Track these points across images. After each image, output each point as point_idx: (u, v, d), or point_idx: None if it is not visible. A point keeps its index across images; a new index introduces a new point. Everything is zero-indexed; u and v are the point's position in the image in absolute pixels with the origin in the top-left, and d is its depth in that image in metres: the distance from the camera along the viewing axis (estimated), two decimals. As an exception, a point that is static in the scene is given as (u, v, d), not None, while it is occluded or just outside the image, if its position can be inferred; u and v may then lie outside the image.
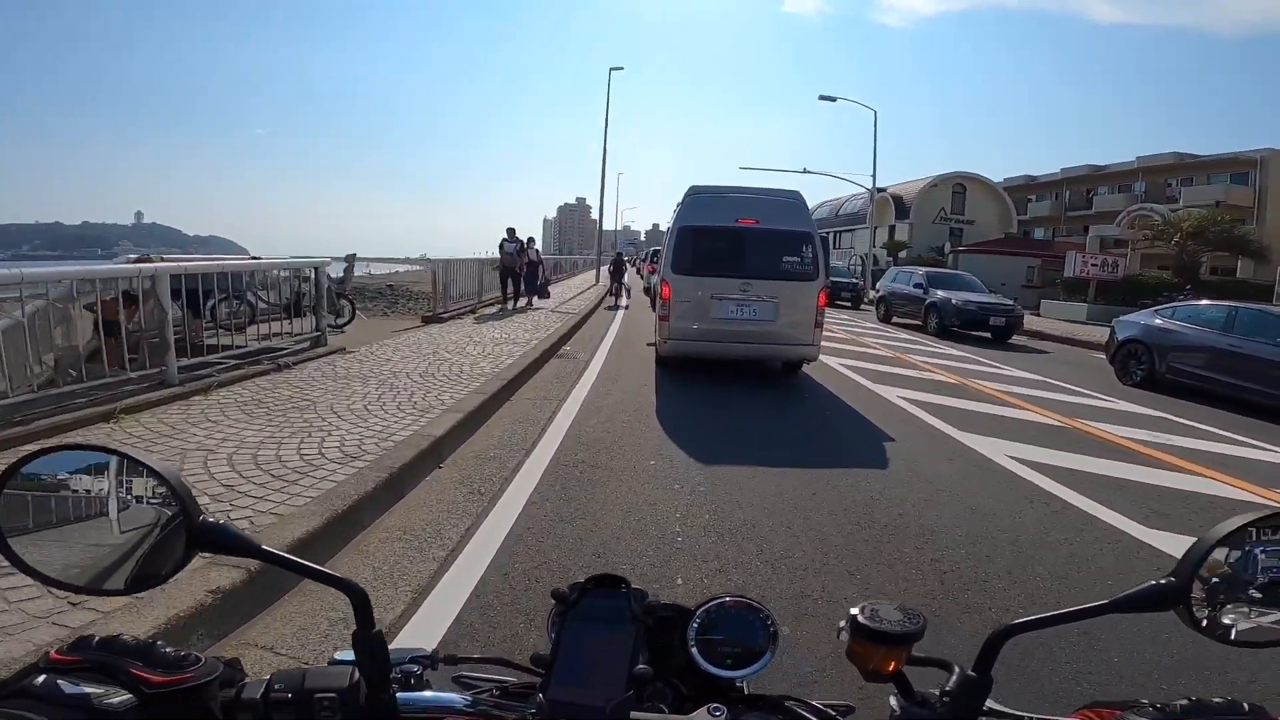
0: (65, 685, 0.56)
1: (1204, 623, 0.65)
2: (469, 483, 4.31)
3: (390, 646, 0.69)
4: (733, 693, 0.79)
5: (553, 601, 0.82)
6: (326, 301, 9.84)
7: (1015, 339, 15.33)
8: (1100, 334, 17.52)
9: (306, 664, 0.90)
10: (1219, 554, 0.65)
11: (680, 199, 8.50)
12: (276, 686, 0.66)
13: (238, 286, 8.80)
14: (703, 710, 0.68)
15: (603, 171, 29.25)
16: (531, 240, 15.40)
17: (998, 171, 45.30)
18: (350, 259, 10.99)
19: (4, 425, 4.26)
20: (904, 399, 7.56)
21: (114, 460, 0.66)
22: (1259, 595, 0.66)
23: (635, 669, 0.70)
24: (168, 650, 0.62)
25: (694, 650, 0.78)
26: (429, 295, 14.02)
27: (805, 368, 9.01)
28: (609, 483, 4.43)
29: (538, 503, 4.01)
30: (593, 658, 0.73)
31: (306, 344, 7.84)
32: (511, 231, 14.42)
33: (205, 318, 8.09)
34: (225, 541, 0.66)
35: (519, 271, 14.59)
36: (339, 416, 5.10)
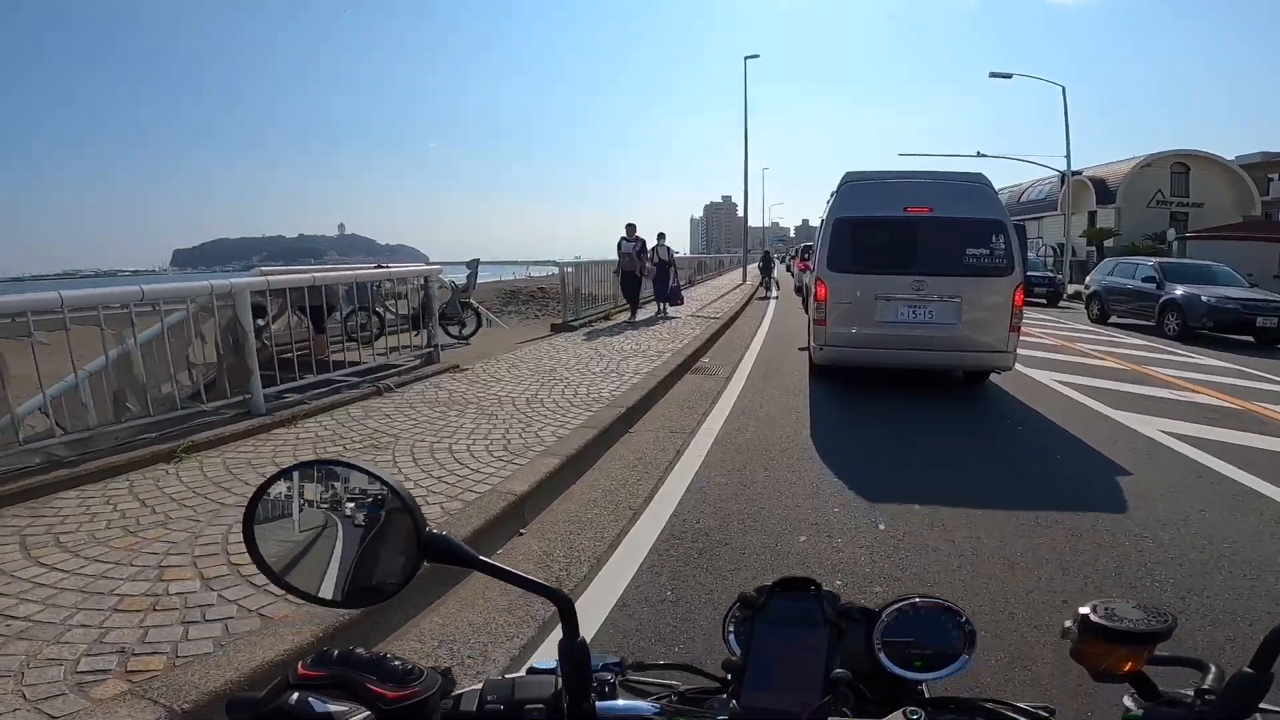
0: (315, 703, 0.59)
1: None
2: (548, 561, 3.18)
3: None
4: (918, 696, 0.77)
5: (737, 607, 0.81)
6: (450, 311, 9.35)
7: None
8: None
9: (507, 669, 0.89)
10: None
11: (834, 189, 7.24)
12: (490, 698, 0.69)
13: (364, 298, 8.48)
14: (898, 713, 0.67)
15: (745, 163, 27.70)
16: (661, 237, 13.39)
17: (1223, 150, 37.35)
18: (473, 264, 10.39)
19: (55, 464, 3.78)
20: (1167, 433, 5.42)
21: (352, 474, 0.71)
22: None
23: (833, 673, 0.69)
24: (396, 663, 0.64)
25: (880, 653, 0.76)
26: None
27: (1013, 390, 7.10)
28: (739, 569, 3.10)
29: (631, 606, 2.78)
30: (785, 662, 0.72)
31: (418, 361, 7.21)
32: (630, 229, 12.25)
33: (332, 330, 7.85)
34: (451, 552, 0.69)
35: (641, 275, 12.37)
36: (414, 461, 4.19)
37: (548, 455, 4.34)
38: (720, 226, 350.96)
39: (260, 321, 6.38)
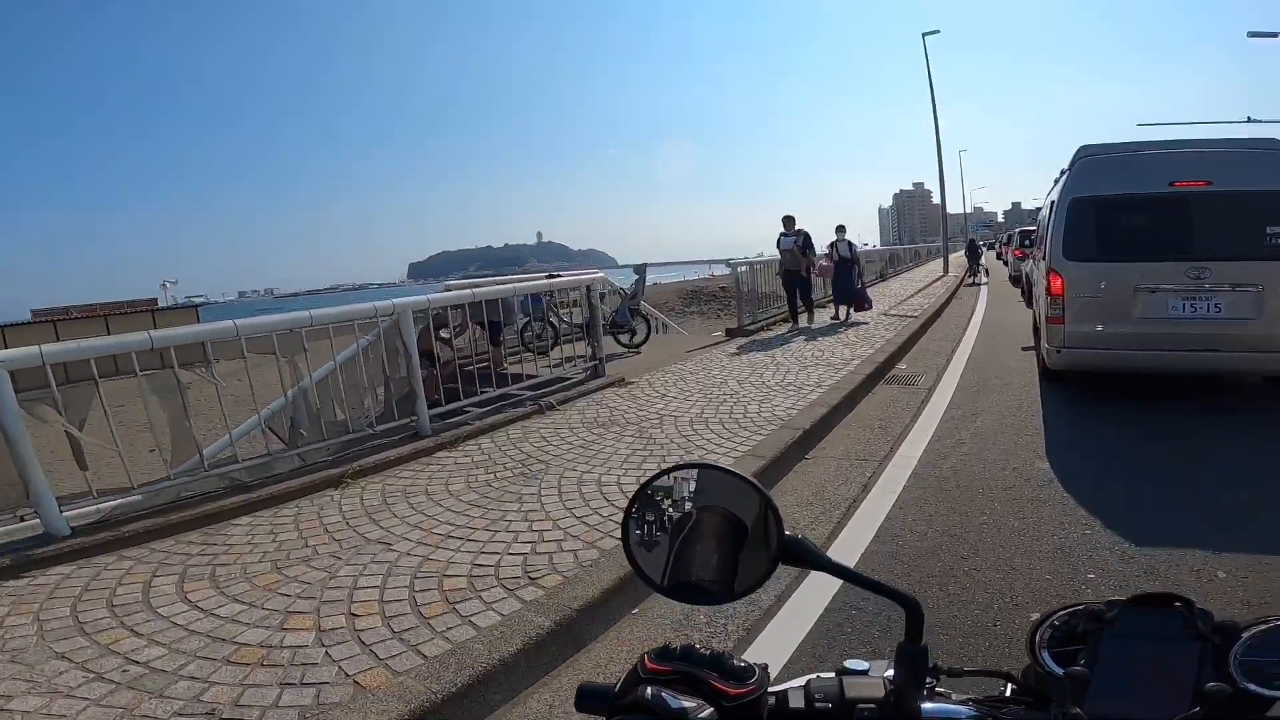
0: (669, 698, 0.61)
1: None
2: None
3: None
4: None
5: (1055, 623, 0.78)
6: (619, 319, 9.15)
7: None
8: None
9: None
10: None
11: (1065, 167, 6.08)
12: (817, 696, 0.69)
13: (539, 309, 8.56)
14: None
15: (937, 145, 24.83)
16: (841, 230, 11.42)
17: None
18: (641, 270, 10.04)
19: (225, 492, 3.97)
20: None
21: (718, 476, 0.74)
22: None
23: (1207, 685, 0.64)
24: (734, 661, 0.66)
25: (1236, 672, 0.68)
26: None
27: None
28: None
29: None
30: (1142, 675, 0.69)
31: (584, 374, 7.01)
32: (789, 222, 10.42)
33: (509, 342, 7.98)
34: (806, 555, 0.71)
35: (808, 274, 10.58)
36: (559, 498, 3.83)
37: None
38: (913, 215, 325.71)
39: (445, 334, 6.56)
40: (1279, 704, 0.70)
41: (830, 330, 9.94)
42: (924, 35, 25.06)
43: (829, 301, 12.13)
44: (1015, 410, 5.59)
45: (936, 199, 32.65)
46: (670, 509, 0.74)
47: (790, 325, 10.47)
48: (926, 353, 8.52)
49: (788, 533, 0.70)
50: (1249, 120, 23.85)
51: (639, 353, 9.03)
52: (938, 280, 20.05)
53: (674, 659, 0.65)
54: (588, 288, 7.31)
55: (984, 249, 27.58)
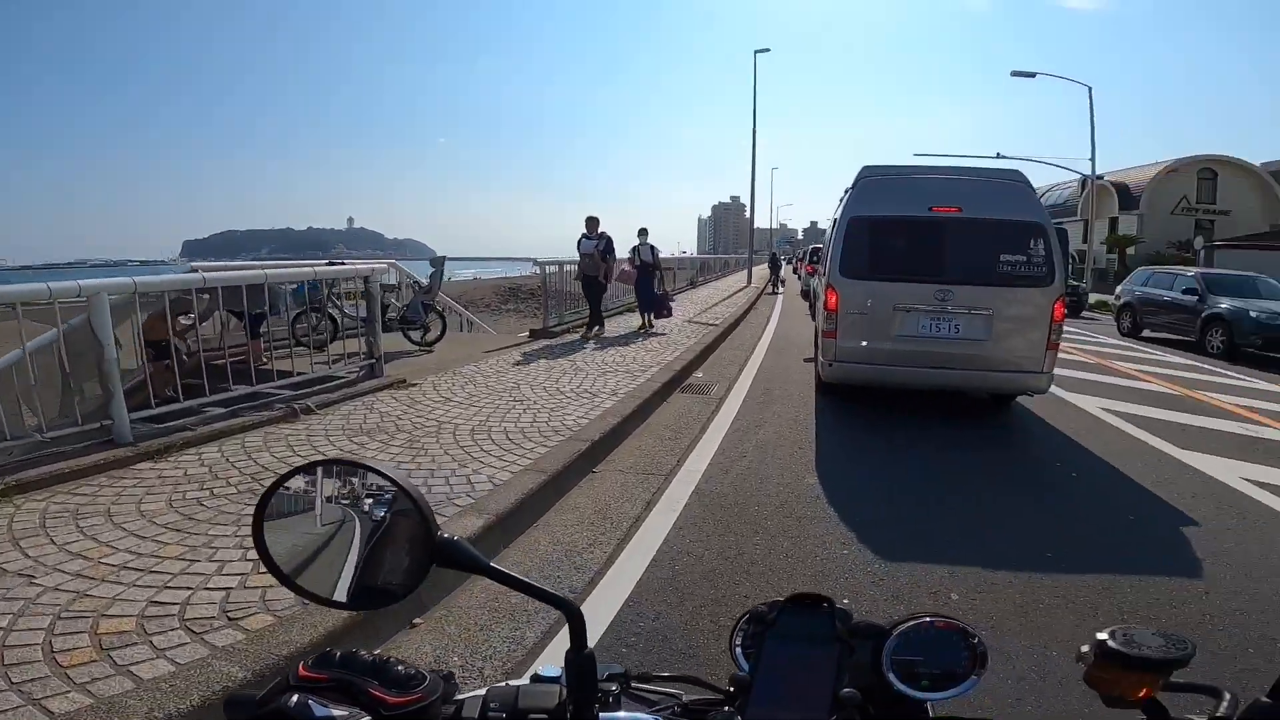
0: (315, 707, 0.60)
1: None
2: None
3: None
4: (922, 716, 0.77)
5: (747, 622, 0.80)
6: (410, 314, 8.36)
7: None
8: None
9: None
10: None
11: (849, 184, 6.27)
12: (493, 705, 0.68)
13: (315, 298, 7.49)
14: None
15: (752, 161, 26.58)
16: (643, 234, 10.71)
17: (1250, 156, 36.05)
18: (438, 262, 9.24)
19: None
20: (1249, 480, 4.36)
21: (368, 475, 0.70)
22: None
23: (841, 691, 0.69)
24: (400, 668, 0.63)
25: (889, 672, 0.74)
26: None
27: (1053, 419, 6.13)
28: None
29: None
30: (793, 678, 0.71)
31: (359, 373, 6.21)
32: (591, 223, 9.67)
33: (278, 335, 6.85)
34: (460, 558, 0.68)
35: (606, 280, 9.95)
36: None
37: (473, 513, 3.33)
38: (729, 227, 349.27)
39: (186, 320, 5.49)
40: (928, 704, 0.74)
41: (634, 336, 9.95)
42: (756, 52, 26.54)
43: (627, 312, 12.17)
44: (794, 422, 5.83)
45: (747, 212, 34.98)
46: (322, 507, 0.71)
47: (596, 329, 10.05)
48: (722, 361, 8.80)
49: (441, 534, 0.68)
50: (998, 155, 28.37)
51: (431, 351, 8.29)
52: (741, 290, 21.32)
53: (331, 666, 0.61)
54: (365, 278, 6.47)
55: (784, 262, 31.00)
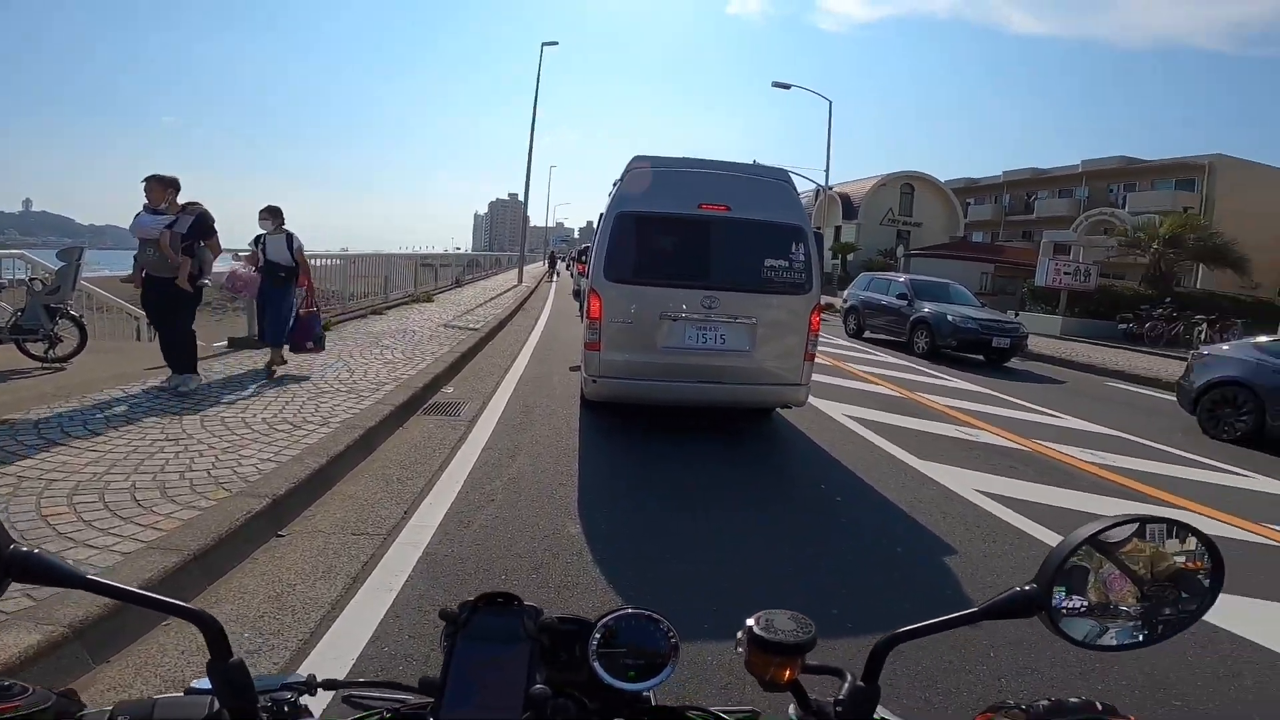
0: None
1: (1064, 627, 0.71)
2: None
3: (261, 673, 0.73)
4: (638, 704, 0.79)
5: (447, 626, 0.79)
6: (27, 322, 6.10)
7: (1013, 362, 12.80)
8: (1092, 353, 15.49)
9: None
10: (1076, 560, 0.70)
11: (619, 176, 5.64)
12: (120, 718, 0.66)
13: None
14: None
15: (529, 154, 25.72)
16: (272, 215, 6.51)
17: (937, 174, 44.46)
18: (70, 254, 6.54)
19: None
20: (984, 493, 4.58)
21: None
22: (1113, 600, 0.71)
23: (532, 689, 0.69)
24: (5, 682, 0.61)
25: (595, 664, 0.76)
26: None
27: (805, 428, 6.16)
28: None
29: None
30: (485, 679, 0.72)
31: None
32: (155, 186, 5.45)
33: None
34: (43, 570, 0.64)
35: (189, 287, 5.41)
36: None
37: (29, 625, 1.99)
38: (505, 224, 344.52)
39: None
40: (635, 694, 0.77)
41: (371, 342, 8.45)
42: (543, 45, 25.52)
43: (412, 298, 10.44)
44: (554, 448, 5.07)
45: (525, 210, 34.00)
46: None
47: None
48: (479, 372, 7.79)
49: (15, 546, 0.63)
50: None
51: (64, 368, 6.05)
52: (510, 290, 20.31)
53: None
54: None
55: (560, 261, 37.31)
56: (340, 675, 2.21)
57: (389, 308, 12.10)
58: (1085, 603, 0.71)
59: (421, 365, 7.07)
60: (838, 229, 40.34)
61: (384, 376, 6.40)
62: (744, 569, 3.32)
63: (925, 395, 8.37)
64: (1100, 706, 0.69)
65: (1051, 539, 3.84)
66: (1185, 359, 9.02)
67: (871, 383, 9.05)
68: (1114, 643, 0.72)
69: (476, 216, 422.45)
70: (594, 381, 5.37)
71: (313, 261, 7.81)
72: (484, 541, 3.40)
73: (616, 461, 4.94)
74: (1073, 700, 0.69)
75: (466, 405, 6.16)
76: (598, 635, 0.77)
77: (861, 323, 15.26)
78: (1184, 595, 0.71)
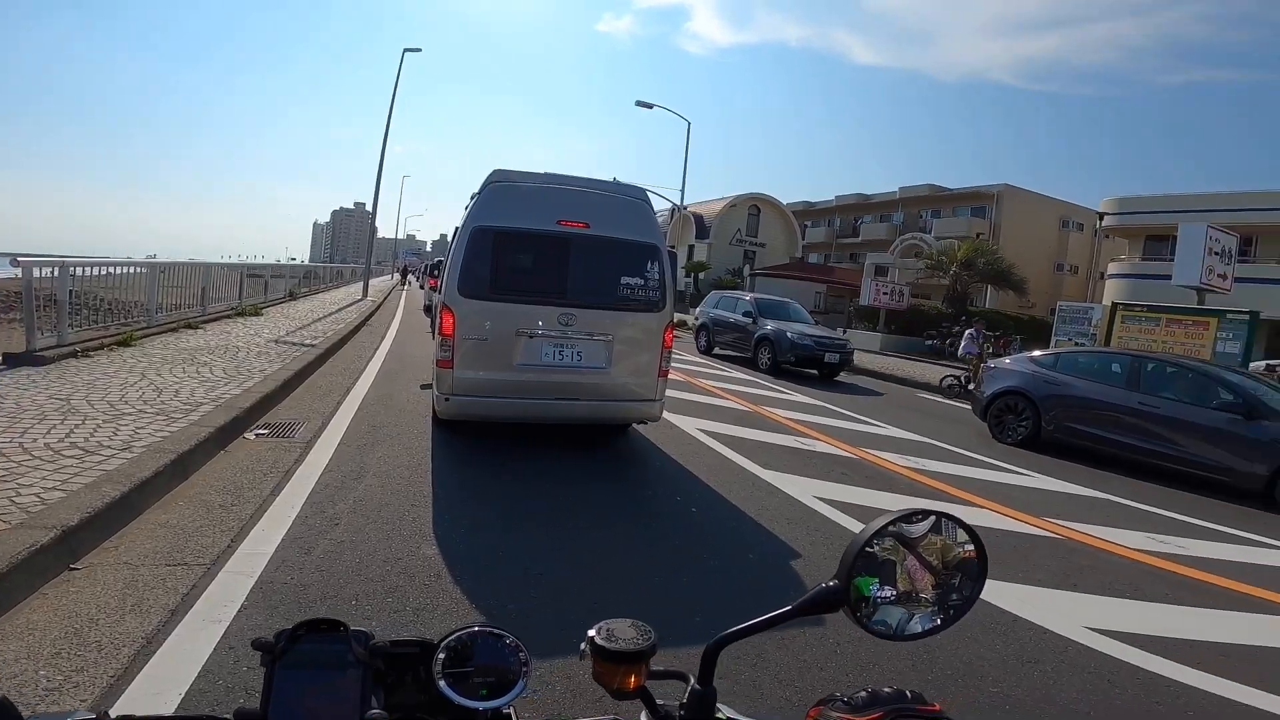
0: None
1: (866, 620, 0.77)
2: None
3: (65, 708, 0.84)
4: None
5: (263, 655, 0.75)
6: None
7: (842, 376, 14.03)
8: (904, 367, 17.42)
9: None
10: (883, 554, 0.77)
11: (476, 190, 5.54)
12: None
13: None
14: None
15: (381, 161, 24.35)
16: None
17: (780, 197, 48.11)
18: None
19: None
20: (820, 499, 4.97)
21: None
22: (908, 590, 0.78)
23: (367, 714, 0.67)
24: None
25: (442, 684, 0.75)
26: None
27: (661, 443, 6.38)
28: None
29: None
30: (314, 707, 0.69)
31: None
32: None
33: None
34: None
35: None
36: None
37: None
38: (349, 235, 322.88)
39: None
40: (495, 712, 0.77)
41: (186, 359, 7.54)
42: (405, 50, 24.39)
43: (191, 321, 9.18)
44: (405, 468, 4.81)
45: (377, 221, 32.08)
46: None
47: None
48: (317, 391, 7.21)
49: None
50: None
51: None
52: (353, 304, 19.04)
53: None
54: None
55: (411, 274, 38.23)
56: (168, 711, 1.96)
57: (207, 321, 10.86)
58: (894, 592, 0.78)
59: (248, 384, 6.41)
60: (691, 248, 42.17)
61: (201, 396, 5.72)
62: (608, 583, 3.36)
63: (769, 409, 8.94)
64: (910, 694, 0.75)
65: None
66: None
67: (721, 397, 9.51)
68: (919, 629, 0.79)
69: (317, 226, 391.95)
70: (446, 400, 5.22)
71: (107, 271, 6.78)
72: (329, 567, 3.16)
73: (472, 481, 4.79)
74: (887, 690, 0.75)
75: (303, 426, 5.68)
76: (441, 655, 0.76)
77: (711, 340, 16.00)
78: (966, 581, 0.80)
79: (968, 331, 14.44)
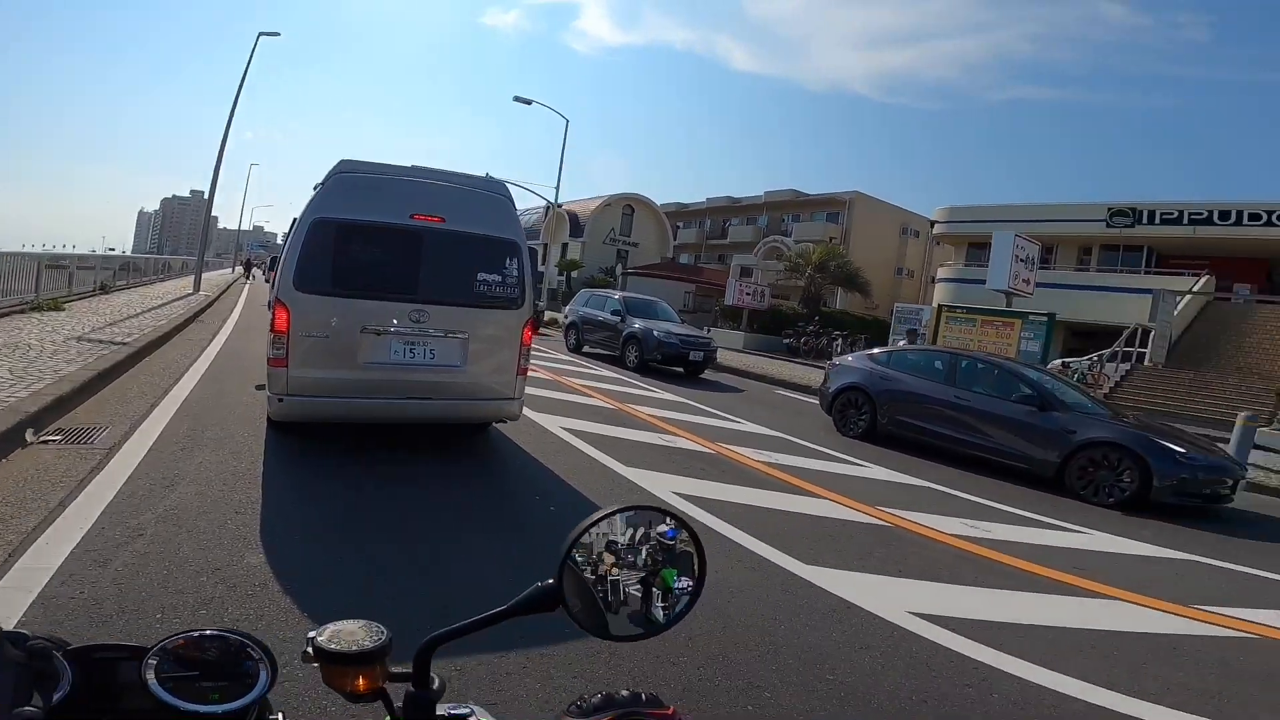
0: None
1: (582, 620, 0.77)
2: None
3: None
4: None
5: None
6: None
7: (706, 374, 14.56)
8: (764, 365, 18.39)
9: None
10: (586, 550, 0.76)
11: (320, 182, 5.21)
12: None
13: None
14: None
15: (222, 144, 21.98)
16: None
17: (656, 198, 48.99)
18: None
19: None
20: (680, 494, 5.09)
21: None
22: (625, 589, 0.76)
23: (14, 711, 0.64)
24: None
25: (155, 687, 0.71)
26: None
27: (523, 442, 6.25)
28: None
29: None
30: None
31: None
32: None
33: None
34: None
35: None
36: None
37: None
38: (183, 224, 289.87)
39: None
40: (220, 715, 0.71)
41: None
42: (261, 34, 21.85)
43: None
44: (229, 474, 4.36)
45: (215, 210, 28.90)
46: None
47: None
48: (126, 394, 6.37)
49: None
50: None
51: None
52: (182, 299, 17.08)
53: None
54: None
55: (255, 267, 36.74)
56: None
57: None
58: (604, 593, 0.77)
59: (36, 386, 5.54)
60: (565, 246, 41.97)
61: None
62: (459, 587, 3.24)
63: (634, 406, 9.06)
64: (645, 697, 0.75)
65: (734, 533, 4.42)
66: (825, 369, 11.14)
67: (587, 395, 9.51)
68: (639, 631, 0.77)
69: (142, 214, 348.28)
70: (280, 401, 4.85)
71: None
72: (129, 581, 2.80)
73: (311, 484, 4.46)
74: (623, 693, 0.75)
75: (106, 431, 5.00)
76: (153, 661, 0.73)
77: (581, 338, 15.99)
78: (684, 573, 0.79)
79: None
